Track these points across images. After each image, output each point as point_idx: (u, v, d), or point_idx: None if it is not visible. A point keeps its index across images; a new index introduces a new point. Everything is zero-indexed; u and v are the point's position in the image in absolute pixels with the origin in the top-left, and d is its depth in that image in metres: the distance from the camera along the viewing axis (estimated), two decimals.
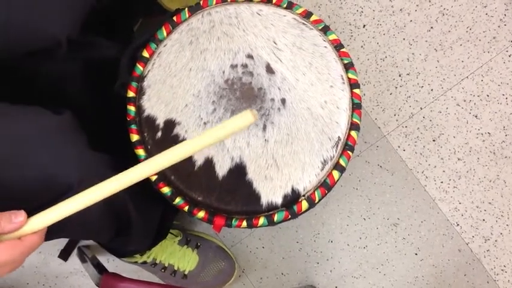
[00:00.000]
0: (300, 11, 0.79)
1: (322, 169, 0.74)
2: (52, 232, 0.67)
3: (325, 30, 0.79)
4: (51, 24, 0.66)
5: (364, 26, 1.18)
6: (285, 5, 0.79)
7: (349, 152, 0.76)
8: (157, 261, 1.04)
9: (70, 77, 0.82)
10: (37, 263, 1.13)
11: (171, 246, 1.05)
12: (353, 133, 0.76)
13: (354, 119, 0.76)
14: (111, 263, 1.13)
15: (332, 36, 0.78)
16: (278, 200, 0.73)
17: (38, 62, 0.73)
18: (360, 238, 1.14)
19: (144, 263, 1.03)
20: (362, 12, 1.18)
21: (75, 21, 0.71)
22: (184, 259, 1.05)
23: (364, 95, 1.16)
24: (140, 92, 0.77)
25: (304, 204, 0.74)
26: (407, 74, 1.16)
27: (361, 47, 1.17)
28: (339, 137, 0.75)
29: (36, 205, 0.59)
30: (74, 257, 1.12)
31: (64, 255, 1.10)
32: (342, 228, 1.14)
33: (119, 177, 0.55)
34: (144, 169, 0.55)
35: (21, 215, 0.53)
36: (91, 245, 1.11)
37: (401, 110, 1.16)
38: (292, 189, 0.74)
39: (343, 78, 0.77)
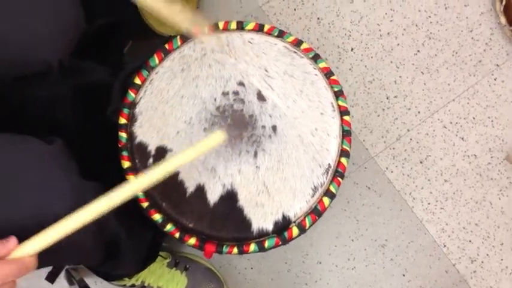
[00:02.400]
0: (290, 39, 0.80)
1: (312, 196, 0.75)
2: (42, 260, 0.67)
3: (316, 58, 0.80)
4: (42, 48, 0.66)
5: (352, 49, 1.19)
6: (276, 34, 0.80)
7: (339, 178, 0.76)
8: (146, 284, 1.03)
9: (61, 102, 0.82)
10: (24, 285, 1.12)
11: (159, 269, 1.05)
12: (343, 160, 0.77)
13: (344, 146, 0.77)
14: (99, 285, 1.13)
15: (322, 64, 0.79)
16: (269, 226, 0.74)
17: (29, 87, 0.73)
18: (348, 259, 1.14)
19: (133, 286, 1.03)
20: (350, 35, 1.20)
21: (67, 45, 0.72)
22: (173, 281, 1.05)
23: (353, 116, 1.17)
24: (132, 118, 0.77)
25: (295, 231, 0.74)
26: (395, 97, 1.18)
27: (349, 69, 1.19)
28: (329, 164, 0.76)
29: (25, 235, 0.59)
30: (61, 279, 1.11)
31: (51, 277, 1.09)
32: (330, 249, 1.14)
33: (100, 201, 0.58)
34: (125, 190, 0.59)
35: (12, 241, 0.55)
36: (79, 268, 1.10)
37: (389, 132, 1.17)
38: (283, 215, 0.74)
39: (333, 106, 0.78)
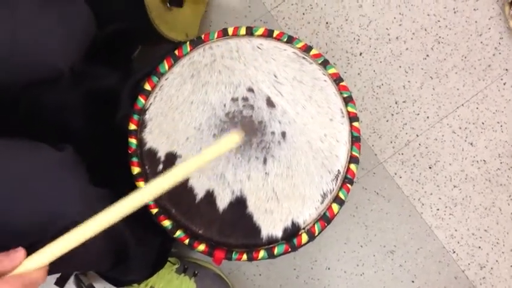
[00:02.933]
0: (300, 45, 0.80)
1: (322, 202, 0.75)
2: (50, 268, 0.67)
3: (325, 64, 0.80)
4: (53, 55, 0.66)
5: (360, 53, 1.19)
6: (285, 39, 0.80)
7: (348, 185, 0.76)
8: None
9: (71, 107, 0.82)
10: None
11: (168, 275, 1.05)
12: (352, 166, 0.77)
13: (353, 152, 0.77)
14: None
15: (331, 70, 0.79)
16: (278, 233, 0.74)
17: (40, 93, 0.74)
18: (357, 265, 1.14)
19: None
20: (359, 40, 1.19)
21: (78, 51, 0.72)
22: (182, 287, 1.05)
23: (361, 122, 1.17)
24: (142, 124, 0.77)
25: (304, 237, 0.74)
26: (404, 102, 1.18)
27: (358, 74, 1.19)
28: (338, 170, 0.76)
29: (34, 243, 0.59)
30: (70, 284, 1.11)
31: (61, 282, 1.09)
32: (339, 255, 1.14)
33: (112, 209, 0.56)
34: (139, 196, 0.56)
35: (20, 253, 0.53)
36: (88, 273, 1.11)
37: (398, 137, 1.17)
38: (292, 222, 0.74)
39: (342, 112, 0.78)
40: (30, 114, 0.76)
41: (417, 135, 1.17)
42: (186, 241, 0.75)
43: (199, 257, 1.13)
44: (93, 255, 0.77)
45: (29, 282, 0.53)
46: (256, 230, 0.74)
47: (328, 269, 1.14)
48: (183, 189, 0.75)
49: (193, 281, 1.07)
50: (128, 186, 0.77)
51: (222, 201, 0.74)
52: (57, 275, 1.06)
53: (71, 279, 1.10)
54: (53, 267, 0.66)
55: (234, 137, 0.61)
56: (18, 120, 0.75)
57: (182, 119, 0.77)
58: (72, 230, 0.55)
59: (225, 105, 0.77)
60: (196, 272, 1.08)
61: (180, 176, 0.58)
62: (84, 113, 0.84)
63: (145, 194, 0.56)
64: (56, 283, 1.08)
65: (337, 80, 0.79)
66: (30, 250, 0.57)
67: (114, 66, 0.93)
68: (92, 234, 0.55)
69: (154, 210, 0.75)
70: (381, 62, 1.19)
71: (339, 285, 1.13)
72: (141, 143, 0.76)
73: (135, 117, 0.78)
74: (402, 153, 1.16)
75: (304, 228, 0.75)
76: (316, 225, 0.75)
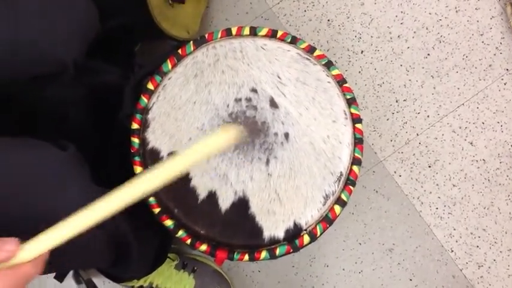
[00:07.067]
0: (303, 45, 0.80)
1: (324, 204, 0.75)
2: (50, 265, 0.67)
3: (329, 65, 0.79)
4: (58, 48, 0.66)
5: (362, 51, 1.19)
6: (289, 40, 0.80)
7: (350, 186, 0.76)
8: (154, 286, 1.04)
9: (73, 102, 0.82)
10: (33, 284, 1.13)
11: (167, 271, 1.05)
12: (355, 168, 0.77)
13: (356, 154, 0.77)
14: (107, 285, 1.13)
15: (335, 72, 0.79)
16: (280, 234, 0.74)
17: (43, 88, 0.73)
18: (356, 263, 1.14)
19: (141, 287, 1.03)
20: (360, 38, 1.19)
21: (82, 45, 0.72)
22: (181, 283, 1.05)
23: (362, 119, 1.17)
24: (145, 124, 0.77)
25: (306, 239, 0.74)
26: (404, 100, 1.18)
27: (359, 72, 1.18)
28: (341, 172, 0.75)
29: None
30: (69, 278, 1.12)
31: (60, 276, 1.09)
32: (337, 252, 1.14)
33: (108, 198, 0.52)
34: (136, 188, 0.52)
35: (13, 242, 0.48)
36: None
37: (398, 136, 1.17)
38: (295, 223, 0.74)
39: (345, 113, 0.77)
40: (34, 110, 0.76)
41: (417, 134, 1.17)
42: (188, 241, 0.75)
43: (199, 253, 1.13)
44: (94, 253, 0.77)
45: (21, 277, 0.48)
46: (259, 230, 0.74)
47: (327, 266, 1.14)
48: (185, 189, 0.74)
49: (192, 277, 1.07)
50: None
51: (225, 202, 0.74)
52: None
53: (70, 274, 1.10)
54: (53, 265, 0.66)
55: (231, 131, 0.54)
56: (21, 115, 0.75)
57: (185, 119, 0.77)
58: (68, 219, 0.51)
59: (228, 106, 0.77)
60: (195, 268, 1.08)
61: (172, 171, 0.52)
62: (86, 108, 0.84)
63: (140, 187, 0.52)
64: (56, 277, 1.08)
65: (340, 81, 0.79)
66: None
67: (115, 62, 0.92)
68: (90, 224, 0.51)
69: (157, 210, 0.75)
70: (382, 60, 1.19)
71: (338, 283, 1.14)
72: (143, 142, 0.76)
73: (138, 116, 0.77)
74: (402, 152, 1.16)
75: (306, 230, 0.75)
76: (318, 227, 0.75)
